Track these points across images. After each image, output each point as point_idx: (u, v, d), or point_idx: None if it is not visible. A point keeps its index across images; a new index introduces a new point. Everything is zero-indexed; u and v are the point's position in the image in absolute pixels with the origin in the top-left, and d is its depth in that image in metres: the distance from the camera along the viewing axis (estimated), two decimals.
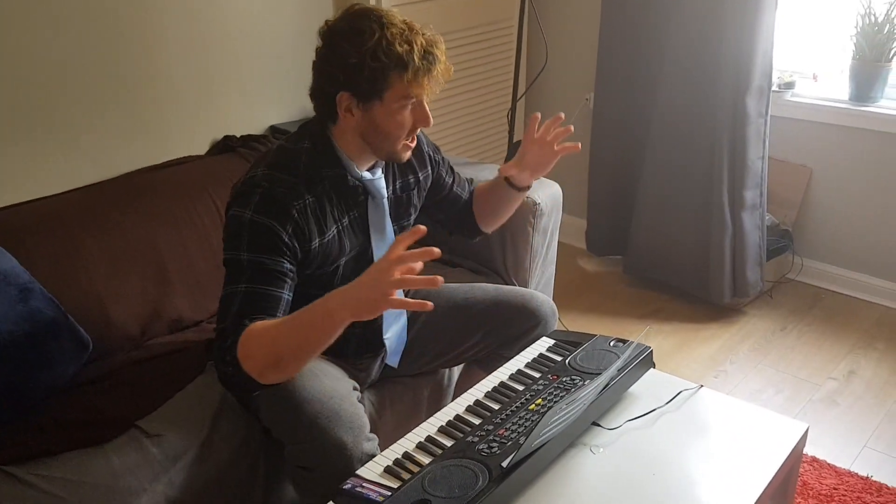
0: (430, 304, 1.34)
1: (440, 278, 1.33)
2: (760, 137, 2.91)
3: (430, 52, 1.53)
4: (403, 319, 1.87)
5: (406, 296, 1.96)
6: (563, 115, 1.82)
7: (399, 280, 1.31)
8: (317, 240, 1.61)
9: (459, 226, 2.03)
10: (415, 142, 1.66)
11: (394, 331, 1.84)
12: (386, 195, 1.73)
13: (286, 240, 1.54)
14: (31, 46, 2.04)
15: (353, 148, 1.64)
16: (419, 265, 1.34)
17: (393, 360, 1.87)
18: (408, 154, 1.67)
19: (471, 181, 2.05)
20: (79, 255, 1.96)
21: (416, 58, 1.50)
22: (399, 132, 1.59)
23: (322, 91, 1.59)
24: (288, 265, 1.55)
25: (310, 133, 1.65)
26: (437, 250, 1.33)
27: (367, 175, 1.68)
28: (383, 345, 1.83)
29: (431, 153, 1.89)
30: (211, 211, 2.22)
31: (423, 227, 1.35)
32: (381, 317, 1.79)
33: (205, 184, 2.26)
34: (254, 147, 2.44)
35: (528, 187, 1.93)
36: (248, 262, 1.52)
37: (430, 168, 1.88)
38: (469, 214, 2.00)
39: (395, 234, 1.80)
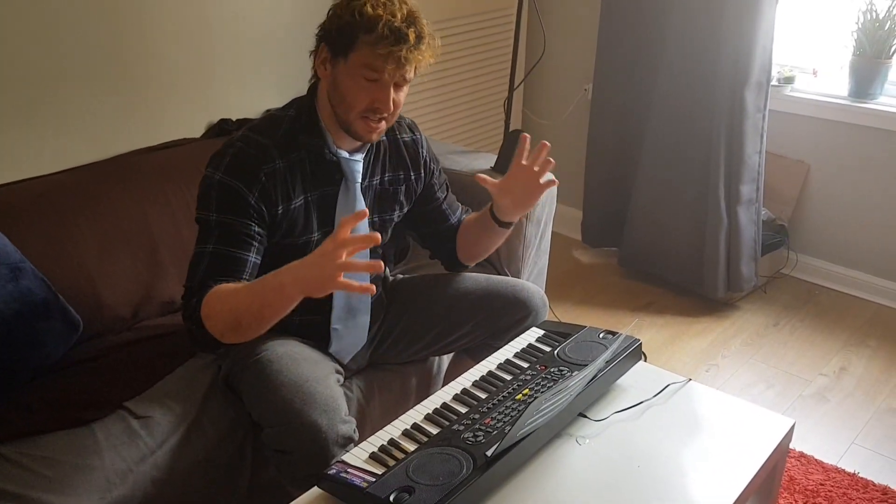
0: (372, 287, 1.38)
1: (381, 263, 1.40)
2: (758, 132, 2.90)
3: (400, 30, 1.52)
4: (364, 320, 1.84)
5: (381, 293, 1.93)
6: (548, 144, 1.74)
7: (343, 264, 1.34)
8: (282, 205, 1.63)
9: (439, 249, 1.99)
10: (381, 124, 1.63)
11: (345, 325, 1.80)
12: (359, 180, 1.72)
13: (252, 202, 1.58)
14: (26, 26, 2.03)
15: (326, 114, 1.66)
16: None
17: (343, 356, 1.83)
18: (371, 135, 1.64)
19: (466, 210, 2.01)
20: (71, 236, 1.96)
21: (381, 26, 1.51)
22: (354, 101, 1.58)
23: (316, 45, 1.63)
24: (256, 228, 1.60)
25: (297, 103, 1.70)
26: (377, 236, 1.36)
27: (343, 153, 1.68)
28: (329, 335, 1.79)
29: (428, 160, 1.88)
30: None
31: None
32: (329, 307, 1.77)
33: (199, 167, 2.20)
34: None
35: (511, 224, 1.86)
36: (216, 222, 1.58)
37: (423, 173, 1.87)
38: (451, 240, 1.95)
39: (375, 226, 1.80)
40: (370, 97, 1.57)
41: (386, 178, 1.80)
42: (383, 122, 1.63)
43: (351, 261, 1.35)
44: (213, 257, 1.57)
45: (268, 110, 2.59)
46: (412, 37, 1.53)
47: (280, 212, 1.63)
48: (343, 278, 1.34)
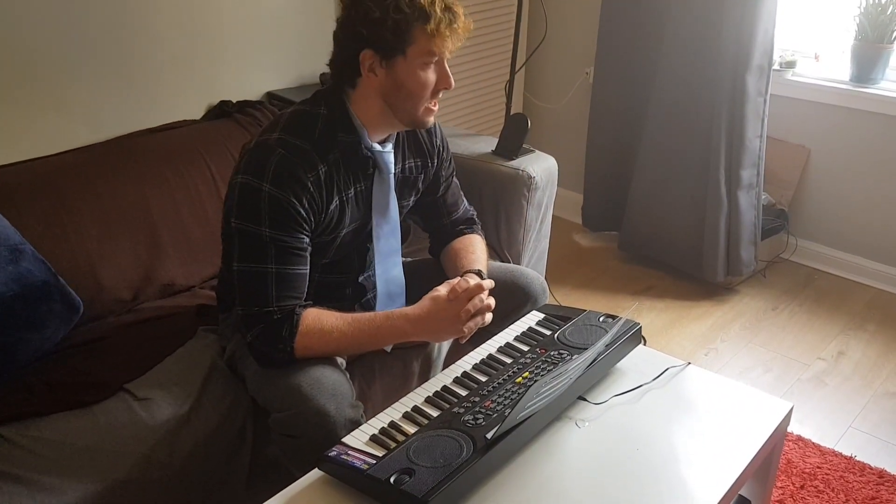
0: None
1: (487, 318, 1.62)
2: (759, 116, 2.90)
3: (451, 7, 1.54)
4: (401, 305, 1.85)
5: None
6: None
7: (468, 327, 1.58)
8: (325, 210, 1.63)
9: (431, 240, 1.99)
10: (437, 106, 1.65)
11: None
12: (393, 171, 1.72)
13: (303, 214, 1.57)
14: (25, 7, 2.02)
15: (371, 114, 1.63)
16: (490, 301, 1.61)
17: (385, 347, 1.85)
18: (431, 119, 1.66)
19: (469, 221, 1.96)
20: (71, 218, 1.96)
21: (438, 9, 1.52)
22: (422, 92, 1.58)
23: (344, 53, 1.59)
24: (307, 239, 1.61)
25: (325, 99, 1.65)
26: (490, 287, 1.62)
27: (377, 146, 1.67)
28: None
29: (442, 149, 1.87)
30: (205, 177, 2.22)
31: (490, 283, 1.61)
32: (374, 300, 1.82)
33: (199, 149, 2.25)
34: (249, 113, 2.43)
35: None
36: (270, 239, 1.55)
37: (436, 161, 1.86)
38: (438, 238, 1.94)
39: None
40: (434, 80, 1.59)
41: (407, 166, 1.80)
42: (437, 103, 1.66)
43: (477, 321, 1.59)
44: (279, 278, 1.56)
45: (275, 104, 2.61)
46: (459, 9, 1.57)
47: (323, 216, 1.63)
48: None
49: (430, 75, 1.58)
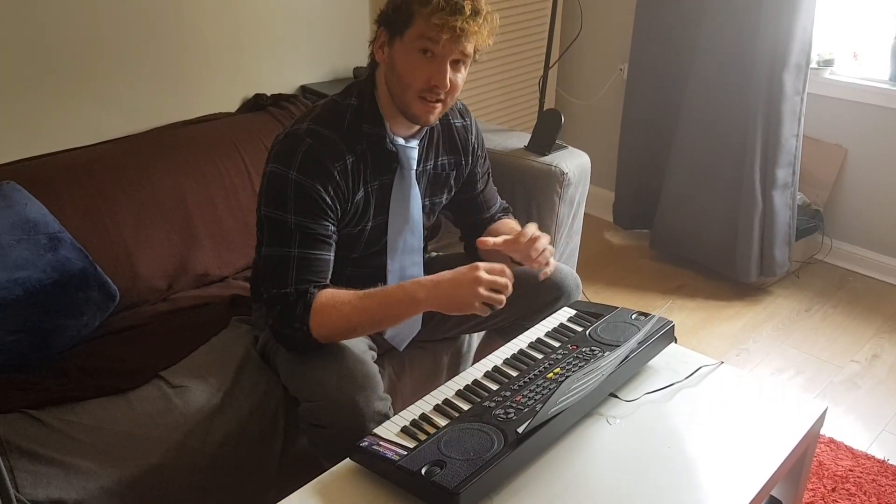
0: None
1: (502, 299, 1.53)
2: (796, 115, 2.86)
3: (457, 2, 1.50)
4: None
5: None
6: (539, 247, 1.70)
7: (486, 297, 1.50)
8: (350, 200, 1.64)
9: (465, 237, 1.98)
10: (438, 106, 1.60)
11: None
12: (415, 167, 1.71)
13: (329, 202, 1.58)
14: (65, 1, 2.05)
15: (385, 102, 1.64)
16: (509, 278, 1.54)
17: (399, 343, 1.85)
18: (428, 116, 1.61)
19: (506, 209, 1.98)
20: (108, 207, 1.98)
21: None
22: (411, 79, 1.56)
23: (375, 31, 1.62)
24: (332, 227, 1.61)
25: (357, 90, 1.67)
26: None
27: (400, 141, 1.67)
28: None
29: (476, 147, 1.87)
30: (240, 169, 2.24)
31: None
32: None
33: (235, 141, 2.27)
34: (284, 106, 2.44)
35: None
36: (295, 224, 1.57)
37: (470, 159, 1.86)
38: (478, 233, 1.91)
39: (425, 210, 1.79)
40: (426, 74, 1.55)
41: (439, 163, 1.80)
42: (440, 104, 1.60)
43: (493, 295, 1.50)
44: (300, 261, 1.57)
45: (309, 98, 2.63)
46: (468, 8, 1.51)
47: (349, 206, 1.64)
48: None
49: (423, 65, 1.55)
